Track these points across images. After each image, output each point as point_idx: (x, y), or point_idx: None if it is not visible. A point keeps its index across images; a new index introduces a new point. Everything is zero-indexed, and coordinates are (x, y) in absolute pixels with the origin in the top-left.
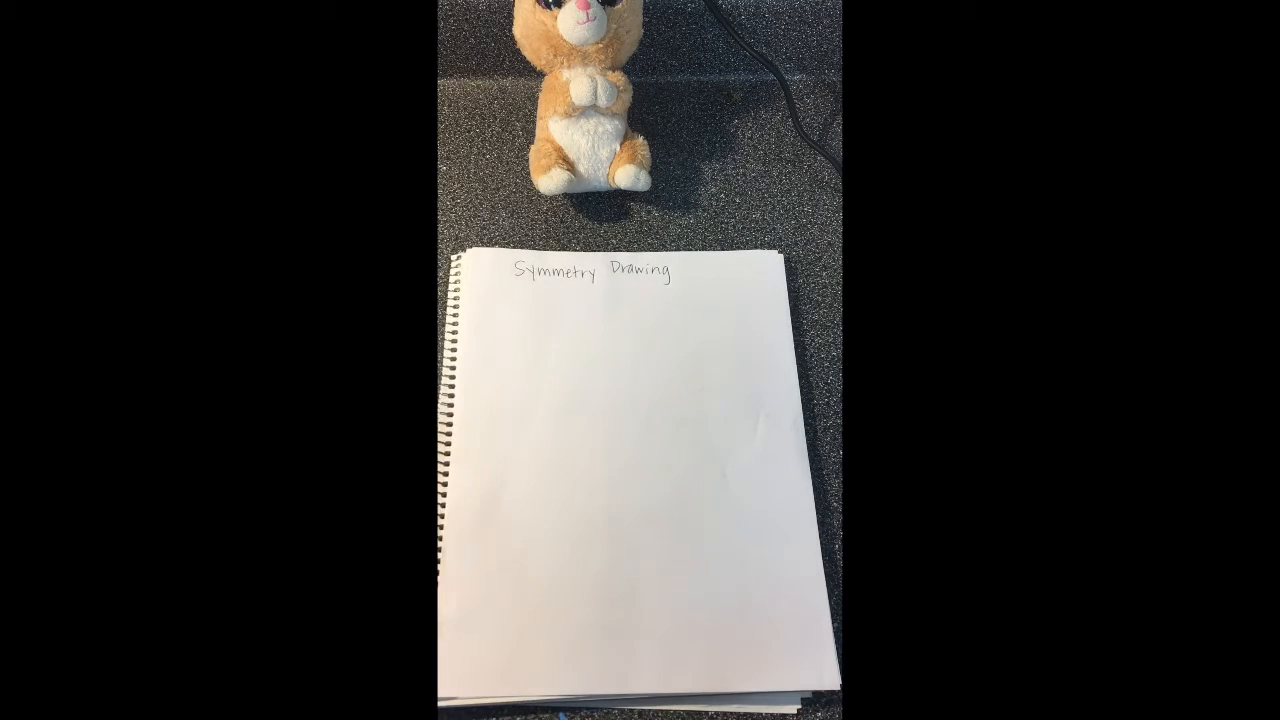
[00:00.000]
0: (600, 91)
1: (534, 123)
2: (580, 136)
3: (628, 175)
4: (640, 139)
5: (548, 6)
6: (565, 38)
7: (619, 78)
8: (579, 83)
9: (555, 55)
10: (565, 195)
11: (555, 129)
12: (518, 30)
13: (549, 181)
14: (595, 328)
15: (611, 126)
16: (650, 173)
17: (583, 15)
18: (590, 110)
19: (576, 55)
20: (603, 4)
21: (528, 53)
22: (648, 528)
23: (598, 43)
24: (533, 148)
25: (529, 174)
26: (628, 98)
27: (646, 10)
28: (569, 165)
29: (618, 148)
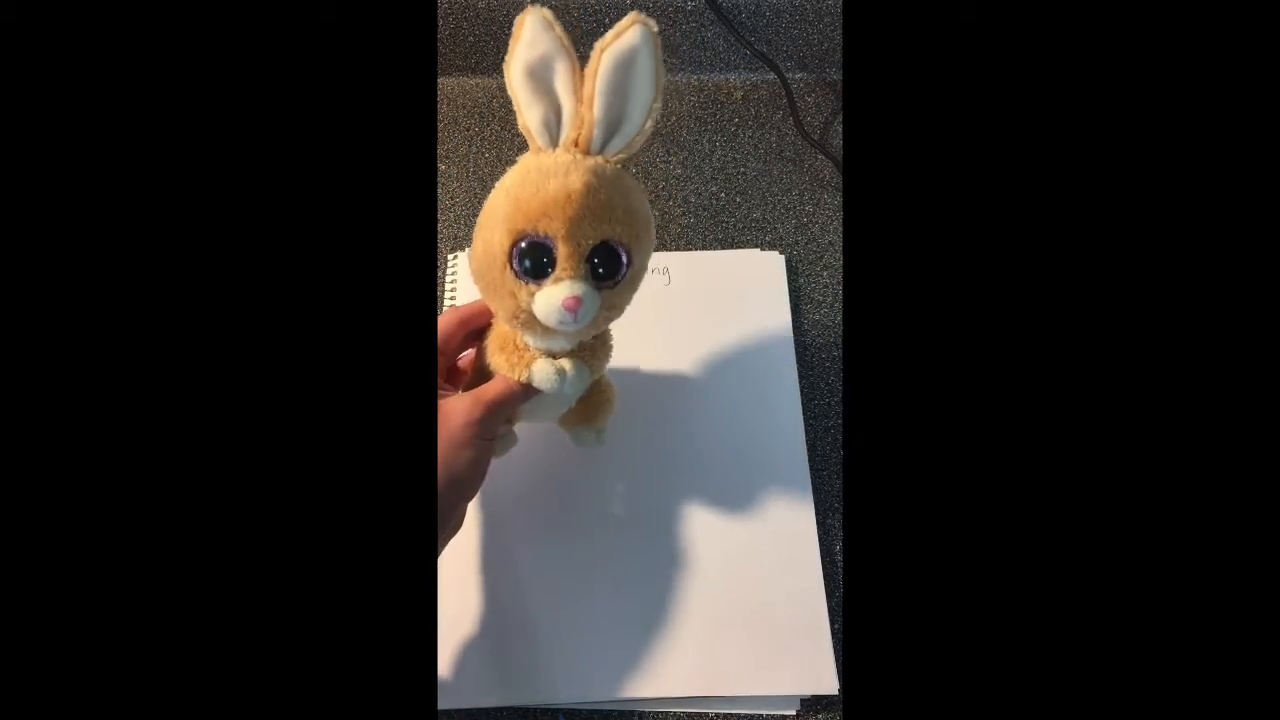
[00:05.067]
0: (569, 381)
1: None
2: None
3: (579, 435)
4: (612, 389)
5: (525, 278)
6: (539, 317)
7: (595, 357)
8: (543, 368)
9: (519, 323)
10: None
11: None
12: (475, 268)
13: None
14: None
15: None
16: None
17: (568, 316)
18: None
19: (549, 331)
20: (600, 282)
21: (482, 295)
22: (647, 529)
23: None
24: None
25: None
26: (603, 369)
27: (646, 10)
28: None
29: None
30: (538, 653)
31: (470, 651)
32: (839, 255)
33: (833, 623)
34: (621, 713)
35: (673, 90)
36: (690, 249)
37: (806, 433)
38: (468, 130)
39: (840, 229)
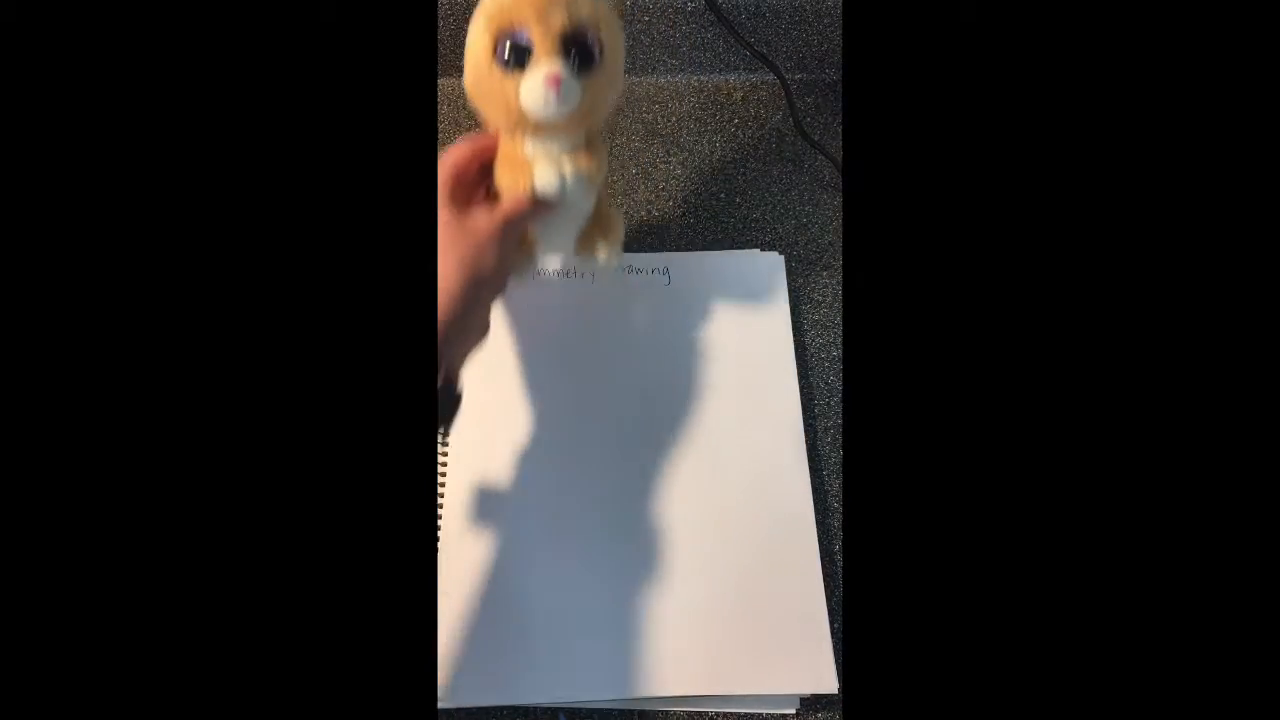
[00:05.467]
0: (569, 183)
1: None
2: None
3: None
4: (615, 212)
5: (506, 66)
6: (528, 108)
7: (591, 160)
8: (543, 171)
9: (513, 124)
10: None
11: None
12: (468, 82)
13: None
14: (595, 328)
15: (583, 208)
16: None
17: (551, 94)
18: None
19: (541, 128)
20: (578, 70)
21: (480, 112)
22: (646, 529)
23: (570, 114)
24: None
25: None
26: (601, 178)
27: (646, 10)
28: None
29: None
30: (538, 653)
31: (470, 651)
32: (839, 255)
33: (832, 622)
34: (621, 712)
35: (673, 91)
36: (690, 249)
37: (806, 433)
38: (468, 130)
39: (840, 229)
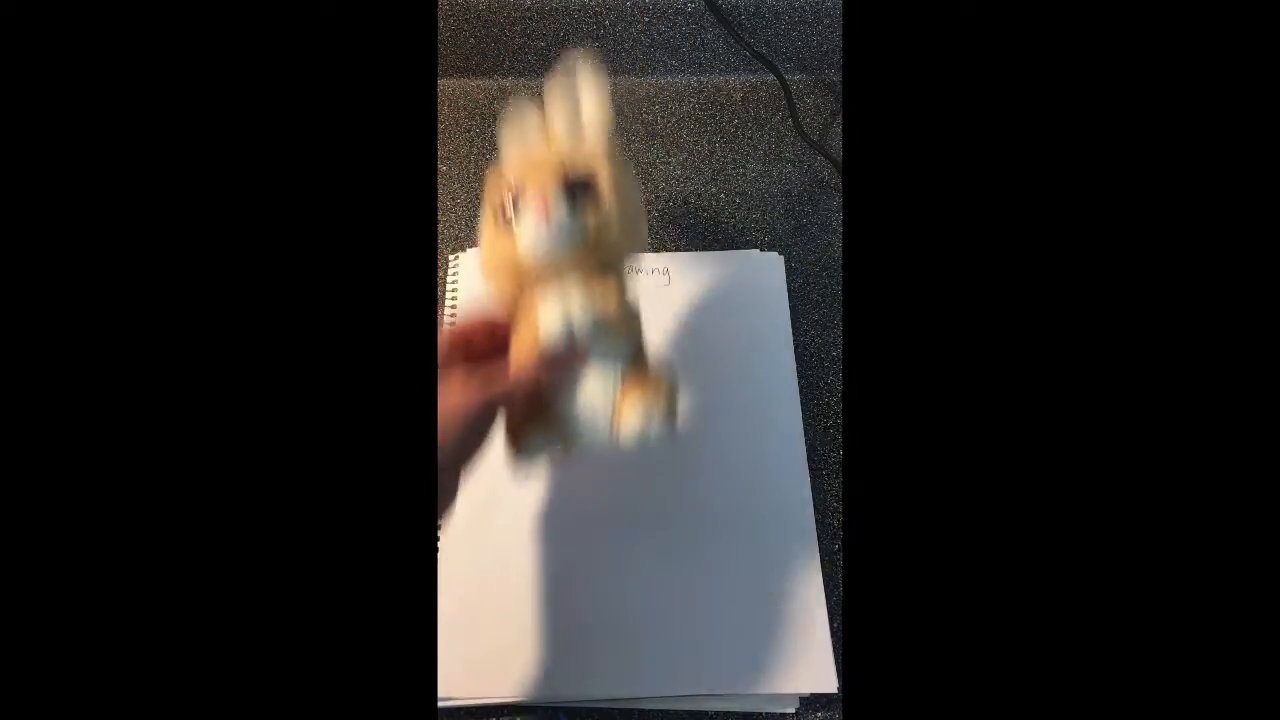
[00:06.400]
0: (576, 322)
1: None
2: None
3: (634, 419)
4: (663, 374)
5: (508, 222)
6: (525, 250)
7: (608, 299)
8: (547, 310)
9: (519, 281)
10: None
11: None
12: (482, 262)
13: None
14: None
15: (607, 364)
16: (670, 422)
17: (541, 223)
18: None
19: (550, 271)
20: (577, 210)
21: (498, 289)
22: (646, 528)
23: (575, 251)
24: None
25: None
26: (636, 323)
27: (646, 9)
28: (547, 425)
29: (617, 390)
30: (538, 652)
31: (470, 650)
32: (838, 255)
33: (832, 621)
34: (622, 711)
35: (672, 91)
36: (690, 249)
37: (806, 433)
38: (468, 131)
39: (839, 229)
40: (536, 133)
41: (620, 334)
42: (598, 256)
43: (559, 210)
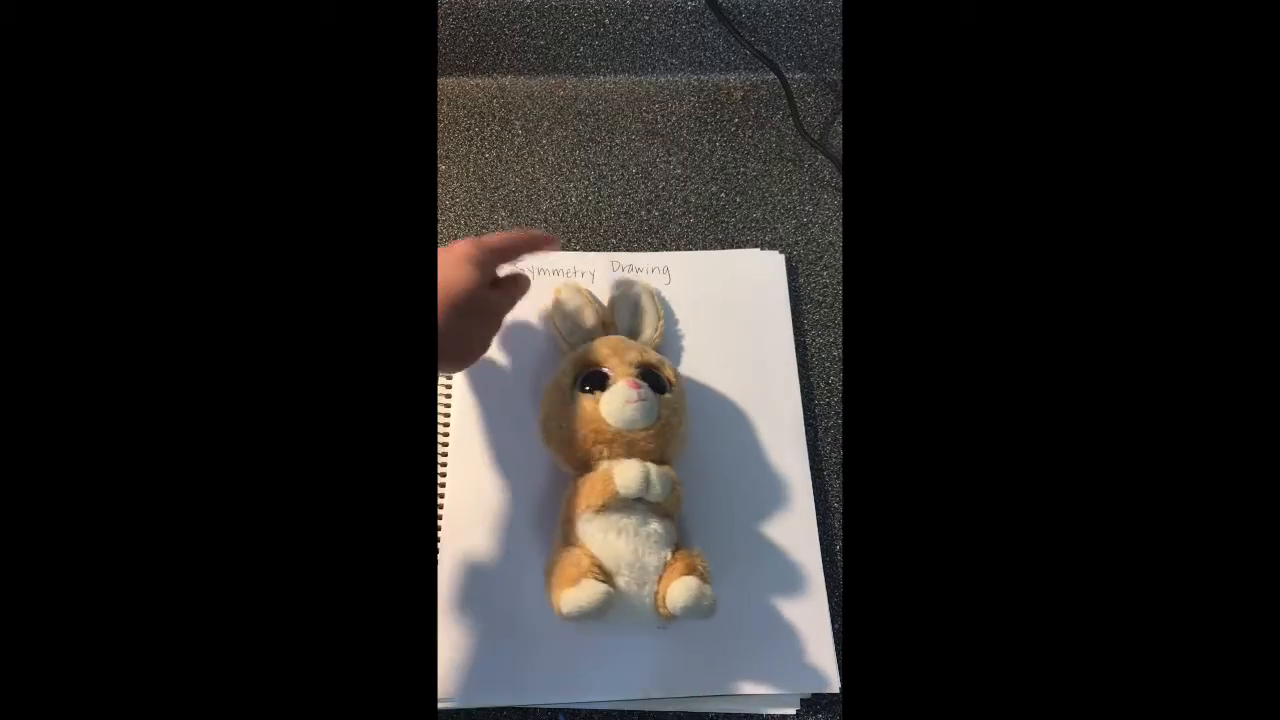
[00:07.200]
0: (654, 479)
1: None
2: (620, 539)
3: (686, 591)
4: (697, 550)
5: (586, 391)
6: (609, 421)
7: (670, 471)
8: (626, 467)
9: (596, 444)
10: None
11: (588, 530)
12: (544, 416)
13: (579, 595)
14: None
15: (661, 528)
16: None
17: (633, 394)
18: (635, 505)
19: (620, 444)
20: (651, 382)
21: (558, 445)
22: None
23: (648, 428)
24: (553, 560)
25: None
26: (681, 496)
27: (646, 9)
28: (605, 576)
29: (669, 556)
30: (538, 653)
31: (470, 651)
32: (839, 255)
33: (833, 622)
34: (622, 713)
35: (673, 90)
36: (690, 249)
37: (806, 433)
38: (468, 130)
39: (840, 229)
40: (591, 317)
41: (675, 510)
42: (663, 440)
43: (645, 389)
